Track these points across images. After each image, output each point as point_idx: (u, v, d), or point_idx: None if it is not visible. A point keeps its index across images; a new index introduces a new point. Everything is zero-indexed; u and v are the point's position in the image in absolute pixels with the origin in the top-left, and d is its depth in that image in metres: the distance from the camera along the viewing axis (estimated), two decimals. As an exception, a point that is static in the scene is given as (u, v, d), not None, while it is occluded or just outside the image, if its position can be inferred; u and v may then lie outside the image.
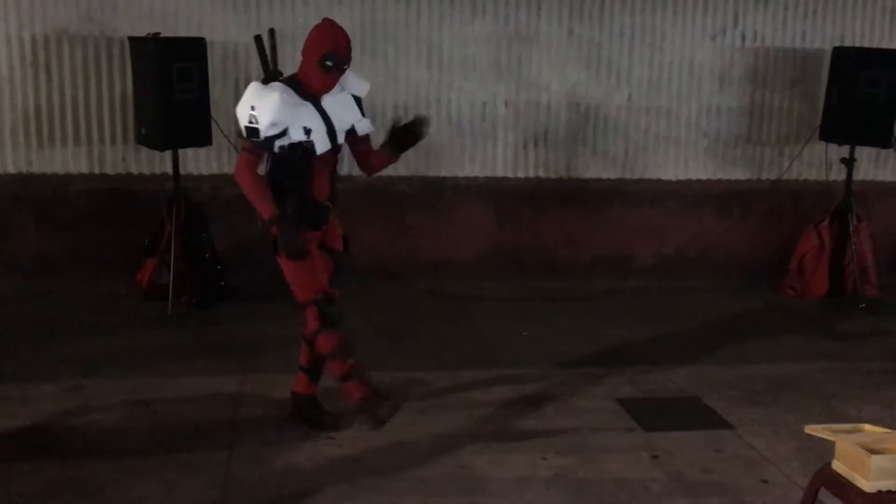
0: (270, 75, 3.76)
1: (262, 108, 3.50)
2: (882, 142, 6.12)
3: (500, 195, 6.45)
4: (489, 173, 6.48)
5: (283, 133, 3.54)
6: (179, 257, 5.44)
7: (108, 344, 4.86)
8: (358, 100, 3.79)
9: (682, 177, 6.69)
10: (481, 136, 6.43)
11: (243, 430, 3.85)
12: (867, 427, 2.81)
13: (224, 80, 6.00)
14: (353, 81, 3.75)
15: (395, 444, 3.77)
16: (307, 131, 3.56)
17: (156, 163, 6.02)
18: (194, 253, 5.56)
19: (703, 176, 6.71)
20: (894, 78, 5.97)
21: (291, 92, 3.59)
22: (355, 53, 4.06)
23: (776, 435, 3.91)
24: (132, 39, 5.50)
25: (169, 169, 5.64)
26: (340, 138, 3.71)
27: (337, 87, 3.69)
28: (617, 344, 5.18)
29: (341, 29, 3.66)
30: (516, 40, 6.33)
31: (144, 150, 5.88)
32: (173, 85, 5.21)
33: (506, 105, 6.42)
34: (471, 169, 6.46)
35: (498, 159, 6.49)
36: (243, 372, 4.47)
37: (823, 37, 6.62)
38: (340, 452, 3.70)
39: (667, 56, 6.53)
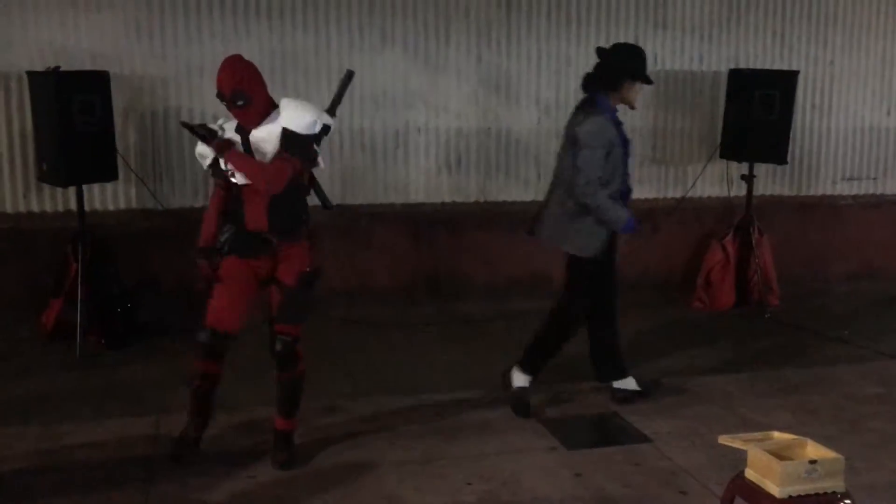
0: (331, 110, 3.86)
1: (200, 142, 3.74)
2: (777, 159, 6.44)
3: (416, 221, 6.48)
4: (404, 199, 6.51)
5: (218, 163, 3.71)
6: (87, 296, 5.25)
7: (11, 389, 4.64)
8: (291, 135, 3.62)
9: (592, 197, 6.85)
10: (395, 163, 6.46)
11: (160, 473, 3.73)
12: (776, 434, 2.93)
13: (129, 113, 5.87)
14: (287, 114, 3.65)
15: (319, 477, 3.71)
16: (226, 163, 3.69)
17: (59, 200, 5.82)
18: (102, 291, 5.39)
19: (612, 195, 6.89)
20: (787, 97, 6.30)
21: (228, 126, 3.72)
22: (266, 84, 4.04)
23: (692, 446, 4.03)
24: (30, 74, 5.33)
25: (73, 205, 5.46)
26: None
27: (273, 118, 3.66)
28: (536, 364, 5.24)
29: (229, 65, 3.64)
30: (426, 68, 6.40)
31: (47, 187, 5.69)
32: (74, 119, 5.06)
33: (419, 132, 6.47)
34: (386, 196, 6.48)
35: (412, 185, 6.53)
36: (157, 412, 4.33)
37: (720, 59, 6.92)
38: (261, 489, 3.62)
39: (573, 80, 6.67)
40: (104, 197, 5.92)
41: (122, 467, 3.78)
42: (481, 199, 6.65)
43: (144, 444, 4.00)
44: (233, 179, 3.70)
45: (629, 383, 4.57)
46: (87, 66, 5.58)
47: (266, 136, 3.65)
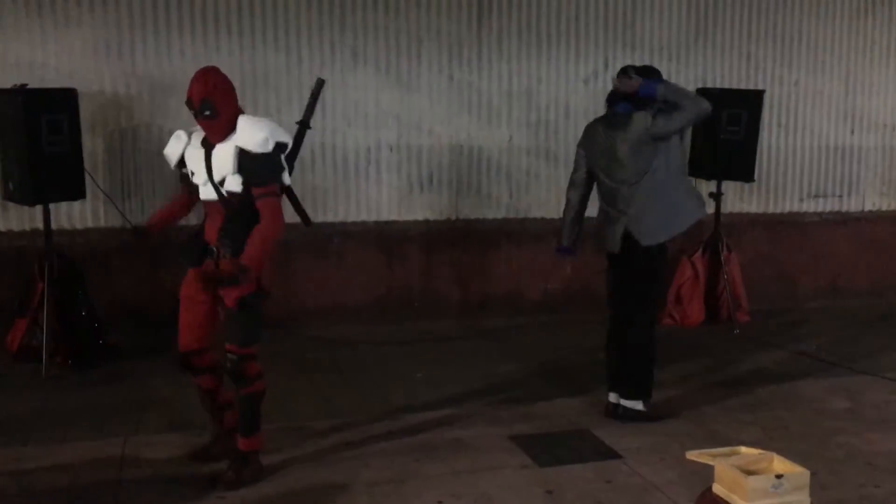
0: (304, 121, 3.90)
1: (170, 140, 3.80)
2: (745, 176, 6.53)
3: (388, 239, 6.48)
4: (377, 217, 6.51)
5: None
6: (53, 316, 5.18)
7: (-25, 413, 4.55)
8: (252, 157, 3.59)
9: (564, 214, 6.90)
10: (368, 181, 6.47)
11: (126, 496, 3.67)
12: (744, 449, 2.96)
13: (98, 131, 5.82)
14: (243, 133, 3.61)
15: (290, 498, 3.68)
16: (192, 174, 3.73)
17: (25, 219, 5.75)
18: (69, 311, 5.32)
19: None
20: (753, 116, 6.40)
21: (196, 137, 3.73)
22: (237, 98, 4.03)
23: (662, 462, 4.04)
24: (-4, 91, 5.27)
25: (40, 224, 5.40)
26: (228, 188, 3.62)
27: (232, 136, 3.63)
28: (509, 381, 5.26)
29: (202, 75, 3.65)
30: (398, 86, 6.43)
31: (13, 206, 5.61)
32: (42, 138, 5.01)
33: (391, 150, 6.49)
34: (358, 214, 6.47)
35: (385, 203, 6.53)
36: (125, 434, 4.27)
37: (687, 79, 7.01)
38: (232, 511, 3.58)
39: (543, 99, 6.77)
40: (72, 216, 5.86)
41: (88, 491, 3.71)
42: (453, 217, 6.67)
43: (111, 467, 3.93)
44: (202, 196, 3.73)
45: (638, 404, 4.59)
46: (56, 84, 5.54)
47: (224, 156, 3.62)
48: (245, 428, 3.83)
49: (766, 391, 5.08)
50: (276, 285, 6.12)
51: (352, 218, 6.45)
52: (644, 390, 4.58)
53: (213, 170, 3.64)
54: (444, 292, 6.59)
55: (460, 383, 5.19)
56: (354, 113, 6.37)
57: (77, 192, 5.32)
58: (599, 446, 4.26)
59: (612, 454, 4.16)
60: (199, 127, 3.73)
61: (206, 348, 3.83)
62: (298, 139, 3.87)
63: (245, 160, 3.59)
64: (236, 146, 3.60)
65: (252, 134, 3.59)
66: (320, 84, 3.97)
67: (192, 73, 5.81)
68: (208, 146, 3.67)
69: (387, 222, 6.52)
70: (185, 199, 3.92)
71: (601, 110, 6.79)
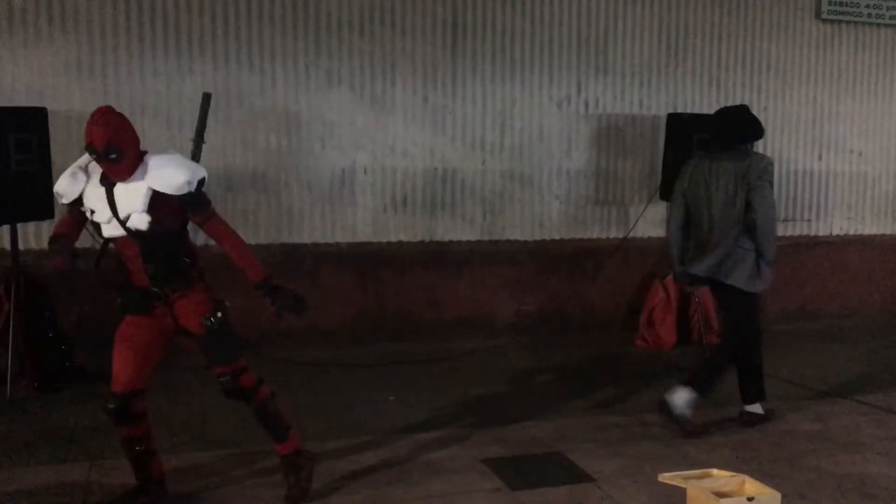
0: (198, 138, 3.90)
1: (60, 178, 3.67)
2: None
3: (362, 260, 6.46)
4: (350, 239, 6.50)
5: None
6: (19, 338, 5.08)
7: (-64, 437, 4.45)
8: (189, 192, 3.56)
9: (537, 237, 6.95)
10: (342, 203, 6.45)
11: (92, 522, 3.60)
12: (716, 472, 2.98)
13: (68, 151, 5.74)
14: (159, 178, 3.54)
15: (259, 524, 3.63)
16: (91, 212, 3.62)
17: (-9, 239, 5.66)
18: (36, 332, 5.22)
19: (556, 236, 6.99)
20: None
21: (96, 174, 3.61)
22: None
23: (635, 485, 4.04)
24: (-35, 109, 5.20)
25: (7, 244, 5.31)
26: (133, 225, 3.55)
27: (139, 174, 3.56)
28: (482, 403, 5.24)
29: (102, 118, 3.51)
30: (372, 108, 6.45)
31: (-21, 226, 5.53)
32: (10, 156, 4.94)
33: (365, 171, 6.49)
34: (332, 235, 6.46)
35: (359, 224, 6.52)
36: (91, 458, 4.19)
37: (659, 104, 7.12)
38: (199, 537, 3.52)
39: (517, 122, 6.82)
40: (39, 236, 5.78)
41: (51, 516, 3.64)
42: (427, 239, 6.67)
43: (77, 492, 3.85)
44: (105, 234, 3.62)
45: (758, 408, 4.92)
46: (25, 103, 5.49)
47: (131, 192, 3.54)
48: (278, 434, 3.86)
49: (737, 413, 5.10)
50: (249, 308, 6.18)
51: (325, 239, 6.43)
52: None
53: (119, 208, 3.55)
54: (418, 314, 6.57)
55: (433, 406, 5.16)
56: (329, 134, 6.37)
57: (45, 212, 5.25)
58: (572, 469, 4.25)
59: (584, 477, 4.15)
60: (92, 163, 3.64)
61: (144, 391, 3.71)
62: (195, 157, 3.95)
63: (161, 199, 3.55)
64: (149, 187, 3.53)
65: (169, 178, 3.54)
66: (207, 98, 3.97)
67: (164, 94, 5.83)
68: (108, 184, 3.58)
69: (361, 244, 6.51)
70: (74, 223, 3.72)
71: (574, 133, 6.95)
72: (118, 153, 3.49)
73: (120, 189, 3.56)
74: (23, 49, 5.68)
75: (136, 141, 3.61)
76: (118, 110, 3.59)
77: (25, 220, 5.30)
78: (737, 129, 4.85)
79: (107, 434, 4.50)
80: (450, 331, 6.59)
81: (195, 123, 4.02)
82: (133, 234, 3.57)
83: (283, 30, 6.19)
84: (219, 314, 3.71)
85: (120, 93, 5.85)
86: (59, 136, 5.61)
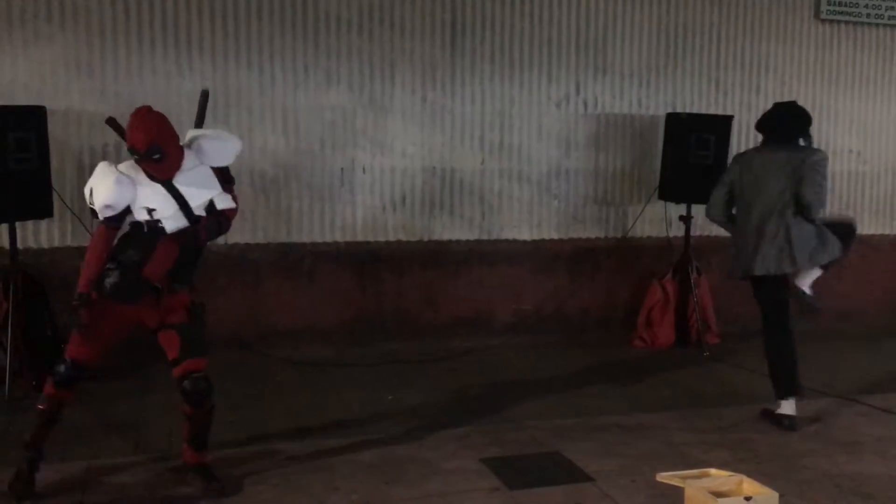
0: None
1: (98, 190, 3.58)
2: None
3: (360, 259, 6.46)
4: (349, 238, 6.49)
5: (128, 211, 3.65)
6: (17, 337, 5.08)
7: (-66, 435, 4.44)
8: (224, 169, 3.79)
9: (535, 237, 6.94)
10: (340, 202, 6.45)
11: (90, 521, 3.60)
12: (713, 471, 2.98)
13: (66, 150, 5.76)
14: (212, 153, 3.70)
15: (257, 523, 3.63)
16: (150, 211, 3.60)
17: (-11, 237, 5.65)
18: (34, 331, 5.22)
19: (555, 235, 6.99)
20: (722, 141, 6.49)
21: (138, 172, 3.63)
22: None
23: (633, 484, 4.04)
24: (-35, 107, 5.20)
25: (6, 243, 5.31)
26: (200, 213, 3.69)
27: (193, 161, 3.67)
28: (480, 403, 5.24)
29: (142, 120, 3.58)
30: (371, 107, 6.44)
31: (-23, 224, 5.52)
32: (9, 155, 4.94)
33: (364, 171, 6.48)
34: (331, 234, 6.45)
35: (358, 224, 6.52)
36: (88, 458, 4.19)
37: (657, 104, 7.12)
38: (197, 536, 3.52)
39: (516, 122, 6.82)
40: (38, 235, 5.78)
41: (50, 515, 3.64)
42: (426, 238, 6.67)
43: (74, 491, 3.85)
44: (168, 229, 3.64)
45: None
46: (24, 101, 5.48)
47: (200, 180, 3.66)
48: (204, 443, 3.88)
49: (736, 413, 5.10)
50: (248, 307, 6.18)
51: (324, 238, 6.43)
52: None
53: (189, 199, 3.63)
54: (416, 313, 6.57)
55: (431, 405, 5.17)
56: (327, 134, 6.36)
57: (44, 211, 5.25)
58: (570, 469, 4.25)
59: (583, 477, 4.15)
60: (124, 164, 3.70)
61: (92, 370, 3.81)
62: None
63: (226, 175, 3.77)
64: (211, 167, 3.69)
65: (222, 152, 3.76)
66: (205, 95, 4.01)
67: (163, 92, 5.83)
68: (161, 179, 3.64)
69: (359, 243, 6.51)
70: (112, 238, 3.71)
71: (572, 133, 6.94)
72: (161, 153, 3.54)
73: (183, 180, 3.61)
74: (21, 47, 5.67)
75: (177, 137, 3.69)
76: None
77: (24, 218, 5.29)
78: (795, 123, 4.99)
79: (105, 433, 4.52)
80: (448, 330, 6.59)
81: (194, 120, 4.03)
82: (191, 230, 3.65)
83: (281, 29, 6.18)
84: (200, 308, 3.78)
85: (119, 91, 5.84)
86: (58, 135, 5.60)
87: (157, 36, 5.92)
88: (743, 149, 7.36)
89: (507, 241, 6.86)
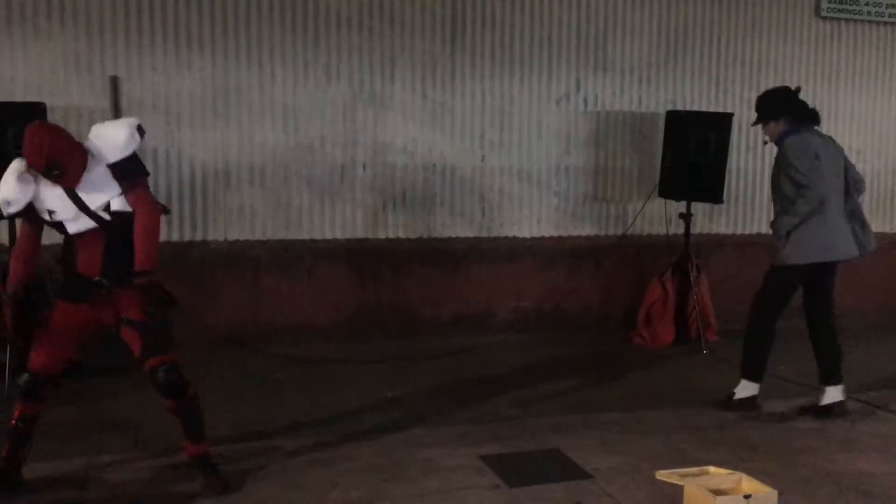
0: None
1: (2, 186, 3.56)
2: (713, 198, 6.60)
3: (360, 256, 6.46)
4: (349, 235, 6.49)
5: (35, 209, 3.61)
6: (17, 333, 5.06)
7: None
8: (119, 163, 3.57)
9: (535, 234, 6.94)
10: (340, 199, 6.45)
11: (89, 517, 3.61)
12: (713, 469, 2.98)
13: (67, 145, 5.74)
14: (102, 149, 3.57)
15: (256, 520, 3.63)
16: (50, 213, 3.59)
17: (-10, 233, 5.65)
18: (34, 328, 5.19)
19: (555, 233, 6.99)
20: (722, 139, 6.49)
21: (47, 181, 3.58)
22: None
23: (632, 482, 4.04)
24: (-37, 104, 5.20)
25: (5, 239, 5.31)
26: (106, 216, 3.60)
27: (92, 163, 3.57)
28: (479, 400, 5.23)
29: (32, 138, 3.48)
30: (371, 104, 6.44)
31: (-23, 220, 5.51)
32: (9, 152, 4.92)
33: (364, 167, 6.48)
34: (331, 231, 6.45)
35: (357, 221, 6.52)
36: (88, 454, 4.19)
37: (658, 101, 7.12)
38: (197, 533, 3.52)
39: (516, 119, 6.81)
40: (38, 231, 5.76)
41: (49, 511, 3.64)
42: (425, 236, 6.67)
43: (73, 487, 3.85)
44: (71, 230, 3.62)
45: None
46: (24, 98, 5.48)
47: (97, 182, 3.55)
48: (199, 434, 3.85)
49: (735, 411, 5.10)
50: (247, 304, 6.18)
51: (324, 235, 6.43)
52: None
53: (88, 200, 3.57)
54: (415, 310, 6.57)
55: (430, 402, 5.17)
56: (328, 131, 6.36)
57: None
58: (569, 466, 4.25)
59: (582, 474, 4.15)
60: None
61: (54, 378, 3.78)
62: None
63: (124, 169, 3.58)
64: (106, 166, 3.56)
65: (115, 143, 3.57)
66: (112, 81, 3.99)
67: (163, 89, 5.81)
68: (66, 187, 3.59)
69: (359, 240, 6.51)
70: (35, 235, 3.71)
71: (573, 130, 6.94)
72: (60, 167, 3.47)
73: (81, 184, 3.55)
74: (21, 44, 5.67)
75: (76, 146, 3.57)
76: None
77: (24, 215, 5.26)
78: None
79: (104, 430, 4.52)
80: (447, 327, 6.59)
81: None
82: (106, 226, 3.58)
83: (281, 26, 6.18)
84: (162, 303, 3.66)
85: (118, 88, 5.84)
86: (58, 132, 5.60)
87: (156, 33, 5.92)
88: (743, 146, 7.40)
89: (506, 238, 6.86)
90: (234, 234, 6.20)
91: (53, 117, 5.43)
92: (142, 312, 3.64)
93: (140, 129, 3.69)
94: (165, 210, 3.85)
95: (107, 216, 3.60)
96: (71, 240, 3.66)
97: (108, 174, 3.58)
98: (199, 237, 6.12)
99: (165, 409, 3.81)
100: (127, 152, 3.58)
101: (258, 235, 6.27)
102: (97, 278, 3.61)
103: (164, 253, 5.90)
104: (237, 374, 5.56)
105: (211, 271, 6.09)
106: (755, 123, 5.10)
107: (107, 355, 5.35)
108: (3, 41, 5.63)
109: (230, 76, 6.09)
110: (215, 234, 6.17)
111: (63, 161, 3.47)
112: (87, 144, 3.63)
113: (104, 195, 3.57)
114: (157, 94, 5.94)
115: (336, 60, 6.32)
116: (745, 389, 5.05)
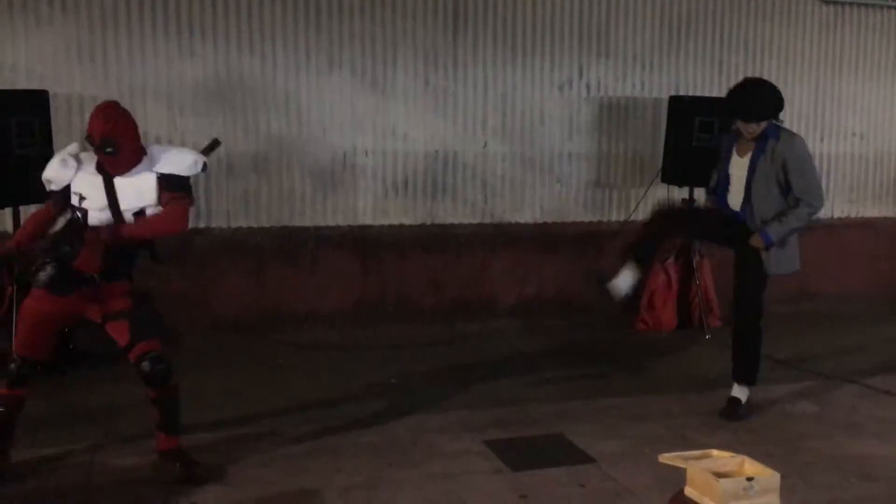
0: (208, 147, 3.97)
1: (48, 164, 3.75)
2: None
3: (363, 243, 6.47)
4: (352, 222, 6.50)
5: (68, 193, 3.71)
6: (22, 320, 5.09)
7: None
8: (172, 177, 3.68)
9: (538, 220, 6.95)
10: (343, 186, 6.45)
11: (97, 503, 3.63)
12: (715, 452, 2.99)
13: (70, 134, 5.73)
14: (163, 160, 3.69)
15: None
16: (81, 198, 3.65)
17: (-7, 221, 5.67)
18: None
19: (557, 219, 6.99)
20: (725, 124, 6.44)
21: (89, 162, 3.69)
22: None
23: (635, 466, 4.07)
24: (-34, 92, 5.20)
25: (10, 227, 5.32)
26: (128, 217, 3.66)
27: (143, 167, 3.66)
28: (482, 385, 5.26)
29: (102, 111, 3.62)
30: (373, 91, 6.43)
31: (-19, 209, 5.53)
32: (12, 140, 4.94)
33: (366, 155, 6.48)
34: (333, 218, 6.46)
35: (360, 208, 6.52)
36: (94, 440, 4.22)
37: (660, 86, 7.10)
38: (203, 518, 3.55)
39: (518, 105, 6.80)
40: (42, 219, 5.78)
41: (58, 496, 3.67)
42: (428, 222, 6.67)
43: (79, 473, 3.88)
44: (91, 220, 3.65)
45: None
46: (26, 86, 5.48)
47: (139, 185, 3.64)
48: (175, 427, 3.87)
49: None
50: (250, 291, 6.20)
51: (326, 222, 6.43)
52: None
53: (121, 199, 3.63)
54: (419, 297, 6.59)
55: (434, 388, 5.19)
56: (330, 118, 6.36)
57: (47, 195, 5.24)
58: (573, 451, 4.28)
59: (585, 458, 4.18)
60: (85, 152, 3.75)
61: (43, 363, 3.82)
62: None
63: (172, 183, 3.67)
64: (158, 174, 3.65)
65: (180, 159, 3.72)
66: (213, 145, 4.02)
67: (165, 77, 5.82)
68: (107, 174, 3.65)
69: (362, 227, 6.51)
70: (49, 215, 3.83)
71: (575, 116, 6.93)
72: (114, 147, 3.55)
73: (123, 182, 3.63)
74: (23, 31, 5.66)
75: (136, 137, 3.68)
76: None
77: (28, 202, 5.28)
78: None
79: (109, 417, 4.55)
80: (451, 314, 6.61)
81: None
82: (113, 225, 3.63)
83: (283, 12, 6.16)
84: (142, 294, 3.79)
85: (120, 75, 5.84)
86: (61, 119, 5.60)
87: (158, 20, 5.90)
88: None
89: (509, 224, 6.86)
90: (238, 222, 6.21)
91: (56, 105, 5.45)
92: (126, 303, 3.69)
93: (205, 166, 3.81)
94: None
95: (129, 218, 3.65)
96: (76, 234, 3.64)
97: (154, 184, 3.65)
98: (202, 224, 6.13)
99: (147, 397, 3.82)
100: (183, 172, 3.70)
101: (261, 223, 6.27)
102: (91, 275, 3.63)
103: (169, 240, 5.97)
104: (241, 361, 5.58)
105: (215, 258, 6.10)
106: (758, 121, 4.59)
107: (111, 342, 5.39)
108: (6, 29, 5.63)
109: (232, 63, 6.08)
110: (218, 222, 6.18)
111: (119, 141, 3.56)
112: (148, 146, 3.74)
113: (141, 201, 3.65)
114: (160, 82, 5.93)
115: (338, 47, 6.31)
116: (744, 392, 4.85)
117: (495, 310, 6.76)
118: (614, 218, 7.12)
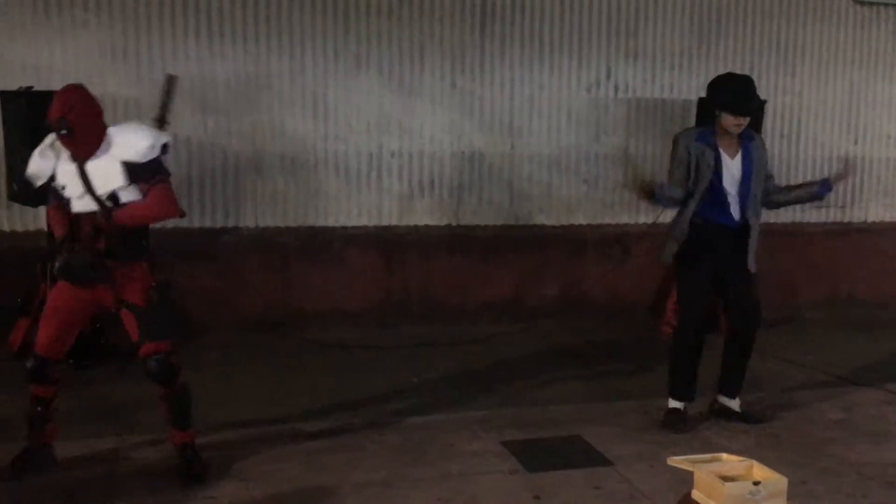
0: (160, 119, 3.86)
1: (30, 161, 3.76)
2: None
3: (388, 243, 6.52)
4: (377, 222, 6.55)
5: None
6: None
7: (-25, 409, 4.61)
8: (136, 165, 3.63)
9: (564, 222, 6.93)
10: (369, 186, 6.51)
11: (119, 495, 3.71)
12: (725, 456, 2.98)
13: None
14: (120, 143, 3.66)
15: (280, 500, 3.70)
16: (61, 188, 3.69)
17: (29, 220, 5.82)
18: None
19: (584, 221, 6.97)
20: (756, 126, 6.33)
21: (64, 150, 3.68)
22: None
23: (651, 469, 4.05)
24: (2, 93, 5.35)
25: (44, 225, 5.46)
26: (108, 203, 3.66)
27: (104, 149, 3.66)
28: (503, 386, 5.28)
29: (61, 94, 3.62)
30: (400, 92, 6.48)
31: (17, 207, 5.69)
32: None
33: (392, 155, 6.53)
34: (359, 218, 6.52)
35: (386, 208, 6.57)
36: (121, 433, 4.32)
37: (689, 88, 7.03)
38: (221, 511, 3.62)
39: (545, 107, 6.80)
40: (76, 216, 5.92)
41: (81, 487, 3.76)
42: (453, 223, 6.70)
43: (105, 465, 3.98)
44: (70, 208, 3.68)
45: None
46: (61, 87, 5.59)
47: (106, 168, 3.63)
48: (186, 422, 3.90)
49: (761, 400, 5.06)
50: (277, 289, 6.28)
51: (352, 222, 6.50)
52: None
53: (94, 184, 3.63)
54: (443, 298, 6.62)
55: (455, 388, 5.22)
56: (357, 118, 6.42)
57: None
58: (590, 452, 4.27)
59: (602, 461, 4.17)
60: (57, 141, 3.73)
61: (61, 361, 3.87)
62: None
63: (136, 171, 3.65)
64: (121, 161, 3.64)
65: (135, 145, 3.66)
66: (171, 80, 3.96)
67: (197, 78, 5.91)
68: (79, 160, 3.66)
69: (387, 227, 6.56)
70: (62, 216, 3.79)
71: (602, 118, 6.90)
72: (68, 129, 3.55)
73: (92, 166, 3.64)
74: (58, 34, 5.81)
75: (94, 117, 3.66)
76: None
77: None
78: None
79: (136, 410, 4.65)
80: (474, 314, 6.63)
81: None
82: (104, 211, 3.64)
83: (312, 14, 6.24)
84: (164, 289, 3.76)
85: (153, 77, 5.93)
86: (94, 120, 5.73)
87: (190, 23, 6.02)
88: (777, 134, 7.28)
89: (535, 226, 6.86)
90: (265, 221, 6.30)
91: (89, 106, 5.57)
92: (143, 298, 3.72)
93: (164, 147, 3.75)
94: (181, 213, 3.89)
95: (109, 203, 3.66)
96: (76, 221, 3.70)
97: (118, 167, 3.64)
98: (230, 223, 6.24)
99: (157, 394, 3.88)
100: (142, 159, 3.65)
101: (288, 222, 6.36)
102: (100, 260, 3.66)
103: (196, 238, 6.09)
104: (266, 358, 5.66)
105: (242, 257, 6.21)
106: (752, 114, 4.60)
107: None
108: (41, 31, 5.78)
109: (261, 65, 6.17)
110: (246, 221, 6.28)
111: (73, 124, 3.55)
112: (109, 129, 3.73)
113: (109, 184, 3.64)
114: (192, 83, 6.04)
115: (366, 48, 6.37)
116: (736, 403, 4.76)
117: (519, 311, 6.77)
118: (642, 220, 7.08)
